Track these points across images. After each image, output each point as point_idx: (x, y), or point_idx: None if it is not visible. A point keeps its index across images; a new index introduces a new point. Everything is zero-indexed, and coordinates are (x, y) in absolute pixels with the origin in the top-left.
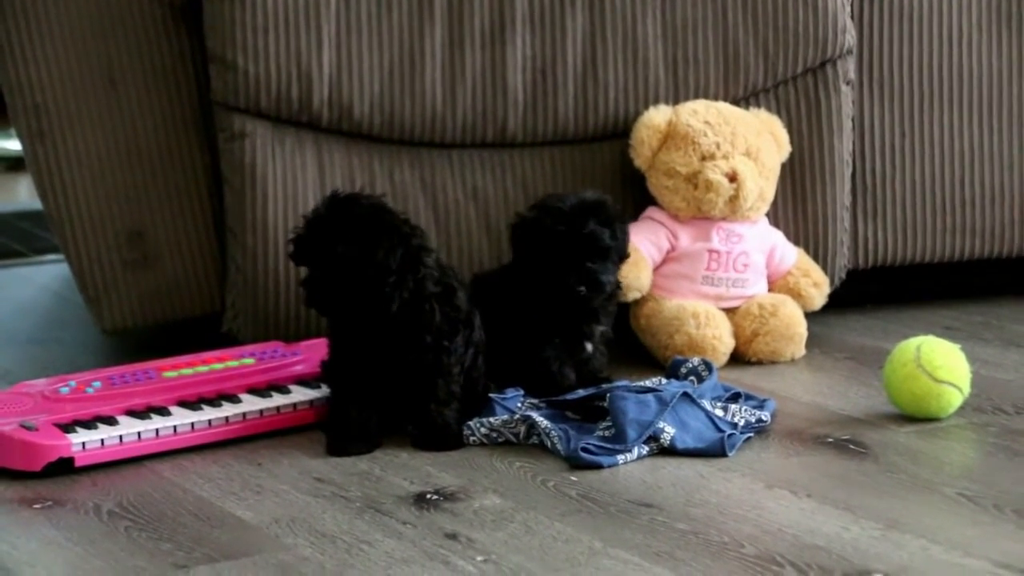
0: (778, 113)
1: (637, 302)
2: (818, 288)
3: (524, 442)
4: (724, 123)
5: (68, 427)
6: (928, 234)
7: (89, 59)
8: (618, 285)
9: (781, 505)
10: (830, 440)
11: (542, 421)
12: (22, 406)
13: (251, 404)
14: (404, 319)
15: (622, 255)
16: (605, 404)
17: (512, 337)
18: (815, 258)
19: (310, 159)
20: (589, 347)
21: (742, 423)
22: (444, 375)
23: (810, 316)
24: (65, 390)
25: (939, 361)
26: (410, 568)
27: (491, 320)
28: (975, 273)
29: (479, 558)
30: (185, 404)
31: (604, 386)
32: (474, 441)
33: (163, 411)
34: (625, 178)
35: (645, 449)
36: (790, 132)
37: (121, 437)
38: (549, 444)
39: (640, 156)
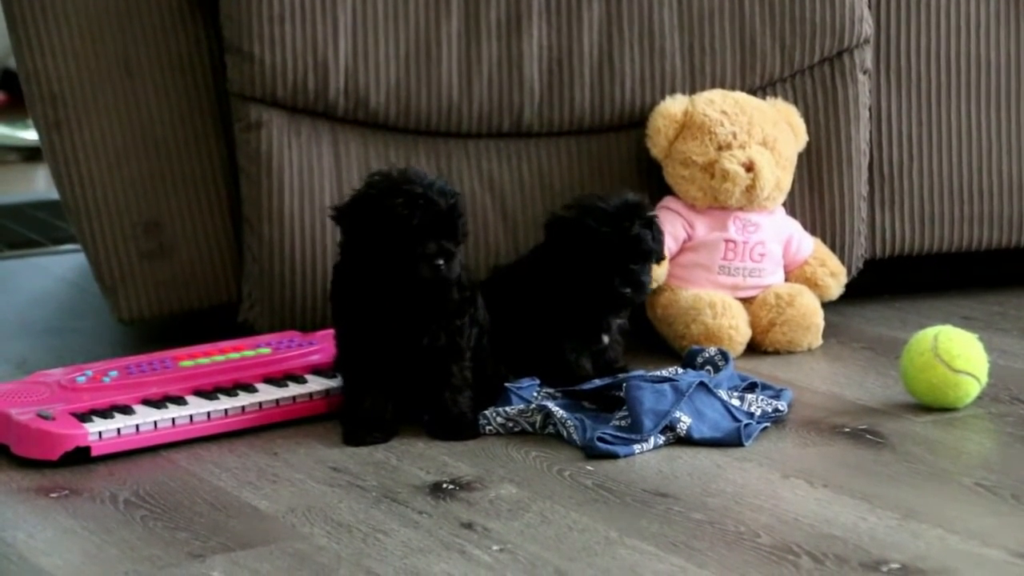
0: (795, 103)
1: (653, 292)
2: (835, 278)
3: (540, 432)
4: (741, 113)
5: (85, 416)
6: (946, 224)
7: (106, 49)
8: None
9: (797, 495)
10: (847, 430)
11: (558, 411)
12: (39, 395)
13: (267, 393)
14: (426, 294)
15: (660, 256)
16: (621, 394)
17: (530, 328)
18: (832, 248)
19: (326, 149)
20: (606, 339)
21: (759, 413)
22: (458, 359)
23: (827, 306)
24: (82, 379)
25: (956, 351)
26: (426, 558)
27: (510, 311)
28: (993, 263)
29: (495, 547)
30: (201, 393)
31: (620, 376)
32: (490, 431)
33: (179, 400)
34: (641, 168)
35: (661, 439)
36: (807, 122)
37: (138, 426)
38: (565, 434)
39: (657, 146)
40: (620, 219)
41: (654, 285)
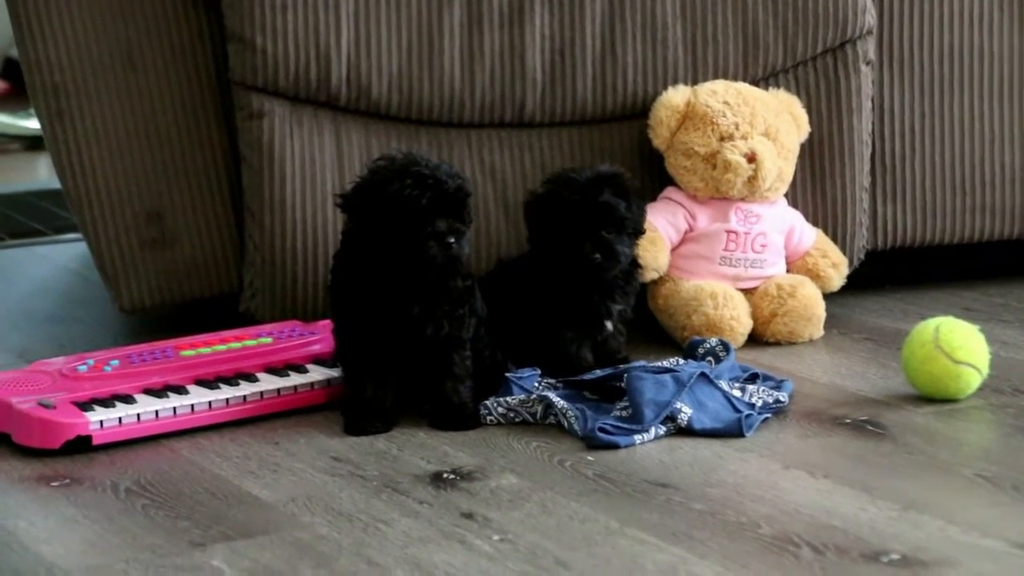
0: (797, 93)
1: (655, 283)
2: (837, 269)
3: (541, 422)
4: (743, 103)
5: (86, 405)
6: (948, 215)
7: (108, 38)
8: (635, 263)
9: (798, 485)
10: (848, 421)
11: (559, 401)
12: (40, 384)
13: (268, 383)
14: (435, 275)
15: (638, 229)
16: (622, 384)
17: (533, 320)
18: (834, 239)
19: (328, 138)
20: (609, 325)
21: (760, 404)
22: (459, 348)
23: (829, 297)
24: (83, 368)
25: (958, 342)
26: (426, 547)
27: (514, 304)
28: (995, 254)
29: (495, 537)
30: (203, 383)
31: (621, 367)
32: (491, 421)
33: (181, 390)
34: (643, 158)
35: (662, 429)
36: (809, 112)
37: (139, 415)
38: (566, 424)
39: (658, 136)
40: (590, 188)
41: (655, 275)
